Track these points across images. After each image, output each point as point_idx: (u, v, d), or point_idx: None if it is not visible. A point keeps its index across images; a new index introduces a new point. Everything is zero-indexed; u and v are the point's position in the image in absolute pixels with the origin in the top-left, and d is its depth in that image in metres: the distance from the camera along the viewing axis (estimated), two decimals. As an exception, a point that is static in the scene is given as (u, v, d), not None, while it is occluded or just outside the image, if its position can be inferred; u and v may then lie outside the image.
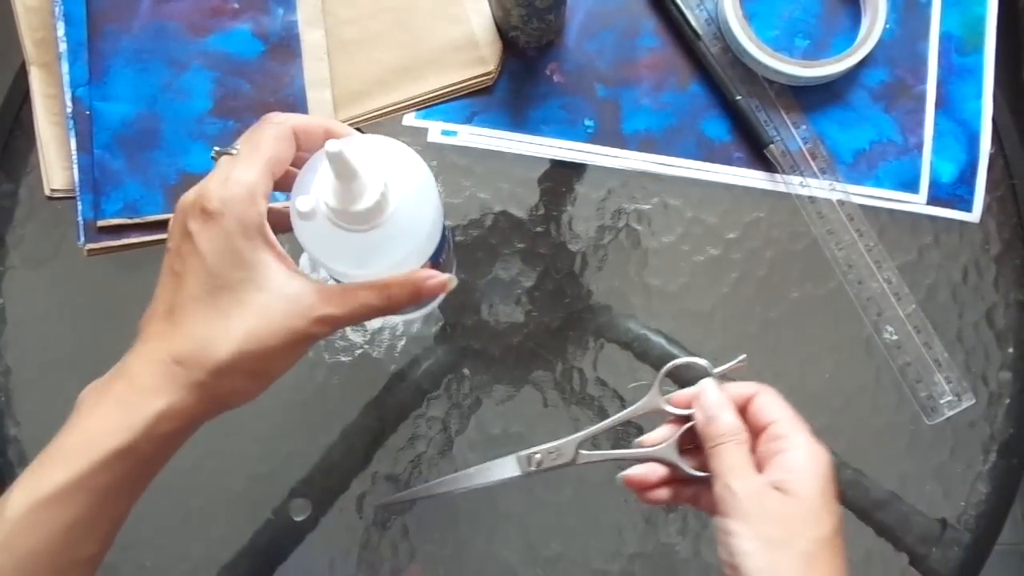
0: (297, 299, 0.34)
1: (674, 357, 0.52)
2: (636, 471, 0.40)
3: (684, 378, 0.45)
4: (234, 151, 0.35)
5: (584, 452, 0.42)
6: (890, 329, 0.52)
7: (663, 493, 0.40)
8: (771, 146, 0.54)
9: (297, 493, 0.52)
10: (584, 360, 0.53)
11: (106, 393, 0.33)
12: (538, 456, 0.42)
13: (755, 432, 0.38)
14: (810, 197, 0.54)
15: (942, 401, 0.51)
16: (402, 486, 0.52)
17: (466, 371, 0.53)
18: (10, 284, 0.55)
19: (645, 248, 0.55)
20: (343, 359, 0.53)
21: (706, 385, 0.39)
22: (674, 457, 0.40)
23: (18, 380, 0.54)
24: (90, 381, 0.54)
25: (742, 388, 0.39)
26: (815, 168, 0.54)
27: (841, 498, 0.51)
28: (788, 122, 0.55)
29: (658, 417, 0.42)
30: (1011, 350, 0.54)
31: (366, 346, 0.54)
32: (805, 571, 0.34)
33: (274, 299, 0.33)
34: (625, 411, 0.42)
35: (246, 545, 0.51)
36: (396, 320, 0.54)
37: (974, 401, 0.52)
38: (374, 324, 0.54)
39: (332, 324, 0.35)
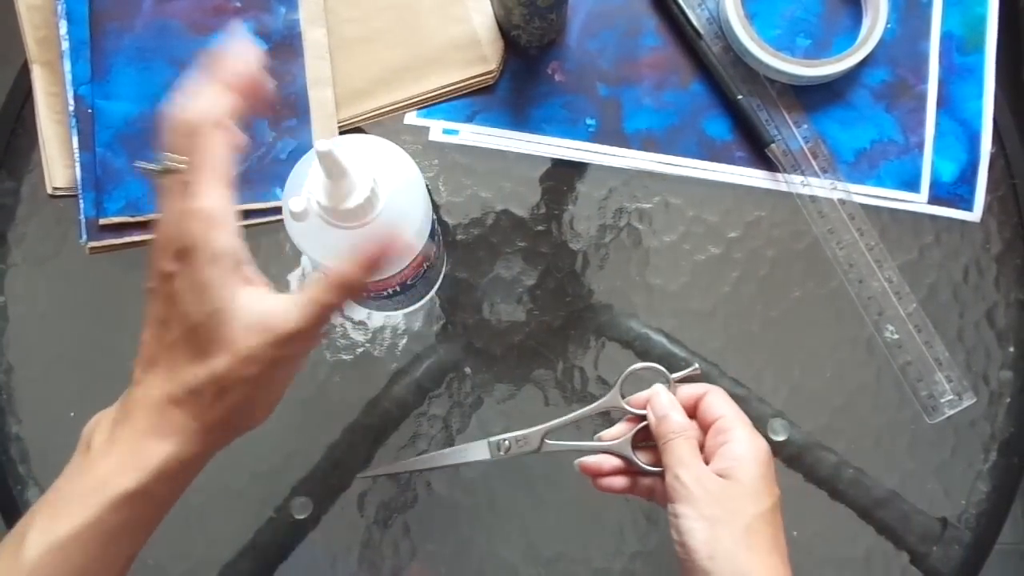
0: (264, 326, 0.32)
1: (675, 356, 0.53)
2: (590, 459, 0.44)
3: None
4: (172, 165, 0.33)
5: (549, 442, 0.46)
6: (891, 328, 0.52)
7: (617, 482, 0.44)
8: (772, 145, 0.54)
9: (299, 491, 0.52)
10: (585, 359, 0.53)
11: (114, 436, 0.33)
12: (506, 442, 0.46)
13: (704, 428, 0.42)
14: (811, 196, 0.54)
15: (943, 400, 0.51)
16: (403, 484, 0.52)
17: (467, 370, 0.53)
18: (12, 282, 0.55)
19: (646, 247, 0.55)
20: (344, 357, 0.53)
21: (658, 389, 0.43)
22: (628, 452, 0.44)
23: (20, 378, 0.54)
24: (91, 379, 0.54)
25: (693, 389, 0.43)
26: (816, 167, 0.54)
27: (842, 496, 0.52)
28: (789, 121, 0.55)
29: (617, 414, 0.46)
30: (1012, 349, 0.54)
31: (367, 345, 0.54)
32: (743, 541, 0.38)
33: (243, 330, 0.32)
34: (587, 407, 0.46)
35: (248, 543, 0.51)
36: (398, 318, 0.54)
37: (975, 400, 0.52)
38: (376, 323, 0.54)
39: (301, 340, 0.33)
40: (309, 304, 0.33)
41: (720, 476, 0.39)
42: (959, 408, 0.52)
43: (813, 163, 0.54)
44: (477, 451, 0.46)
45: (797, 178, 0.54)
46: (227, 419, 0.34)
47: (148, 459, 0.32)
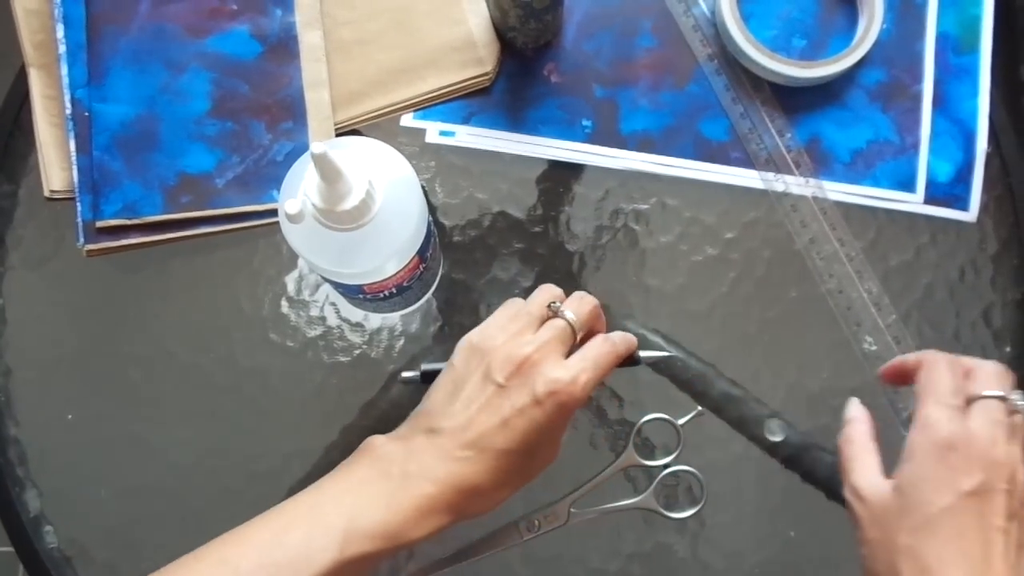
0: None
1: (672, 357, 0.53)
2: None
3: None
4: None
5: (575, 511, 0.49)
6: (869, 340, 0.52)
7: None
8: (755, 153, 0.54)
9: (296, 493, 0.52)
10: (582, 360, 0.53)
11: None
12: (536, 521, 0.49)
13: None
14: (792, 206, 0.54)
15: None
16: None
17: (464, 371, 0.53)
18: (10, 285, 0.55)
19: (643, 248, 0.55)
20: (342, 359, 0.53)
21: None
22: (653, 506, 0.49)
23: (18, 380, 0.54)
24: (89, 381, 0.55)
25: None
26: (799, 177, 0.54)
27: (839, 497, 0.51)
28: (772, 130, 0.55)
29: (635, 471, 0.51)
30: (1008, 349, 0.54)
31: (365, 346, 0.54)
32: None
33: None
34: (607, 469, 0.49)
35: (245, 545, 0.51)
36: (395, 319, 0.54)
37: None
38: (373, 324, 0.54)
39: None
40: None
41: (894, 484, 0.39)
42: None
43: (796, 171, 0.54)
44: (506, 535, 0.49)
45: (780, 187, 0.54)
46: None
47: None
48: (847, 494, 0.41)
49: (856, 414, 0.45)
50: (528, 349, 0.39)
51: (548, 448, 0.40)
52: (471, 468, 0.38)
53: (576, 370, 0.39)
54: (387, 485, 0.38)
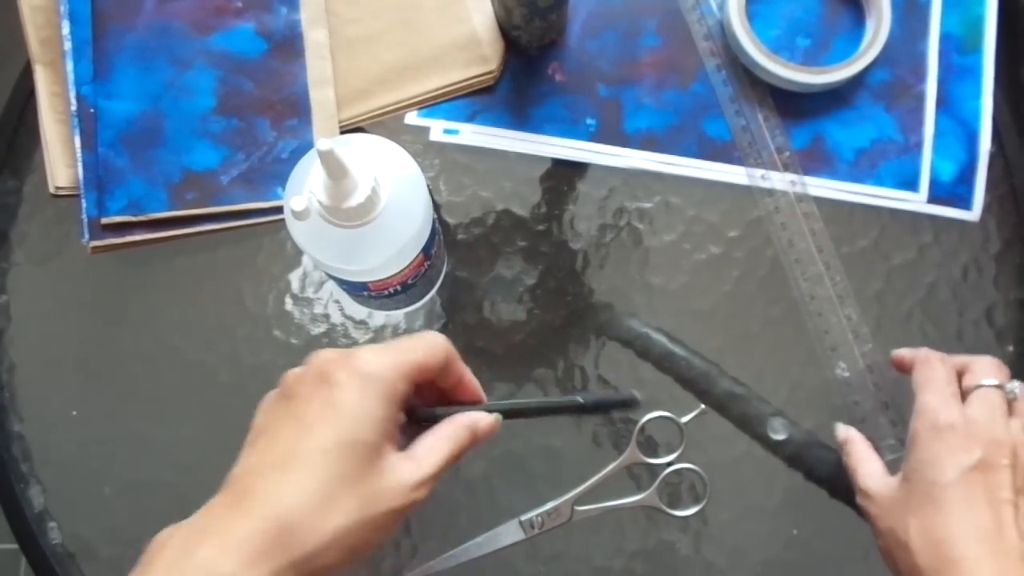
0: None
1: (674, 355, 0.53)
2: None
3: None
4: None
5: (579, 508, 0.49)
6: (843, 365, 0.52)
7: None
8: (751, 170, 0.54)
9: (300, 490, 0.52)
10: (586, 358, 0.53)
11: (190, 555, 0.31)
12: (539, 518, 0.49)
13: None
14: (783, 224, 0.54)
15: (883, 444, 0.49)
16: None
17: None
18: (15, 281, 0.55)
19: (647, 246, 0.55)
20: (346, 356, 0.53)
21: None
22: (656, 503, 0.50)
23: (22, 376, 0.54)
24: (93, 378, 0.55)
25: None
26: (791, 195, 0.54)
27: (842, 495, 0.52)
28: (773, 147, 0.55)
29: (638, 468, 0.51)
30: (1011, 348, 0.54)
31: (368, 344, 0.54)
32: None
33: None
34: (609, 467, 0.49)
35: (249, 541, 0.51)
36: (399, 317, 0.54)
37: None
38: (376, 322, 0.54)
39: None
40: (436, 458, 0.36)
41: (901, 476, 0.40)
42: (899, 454, 0.48)
43: (791, 190, 0.54)
44: (509, 533, 0.49)
45: (771, 203, 0.54)
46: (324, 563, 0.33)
47: None
48: (858, 500, 0.43)
49: (846, 435, 0.47)
50: None
51: None
52: None
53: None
54: None
